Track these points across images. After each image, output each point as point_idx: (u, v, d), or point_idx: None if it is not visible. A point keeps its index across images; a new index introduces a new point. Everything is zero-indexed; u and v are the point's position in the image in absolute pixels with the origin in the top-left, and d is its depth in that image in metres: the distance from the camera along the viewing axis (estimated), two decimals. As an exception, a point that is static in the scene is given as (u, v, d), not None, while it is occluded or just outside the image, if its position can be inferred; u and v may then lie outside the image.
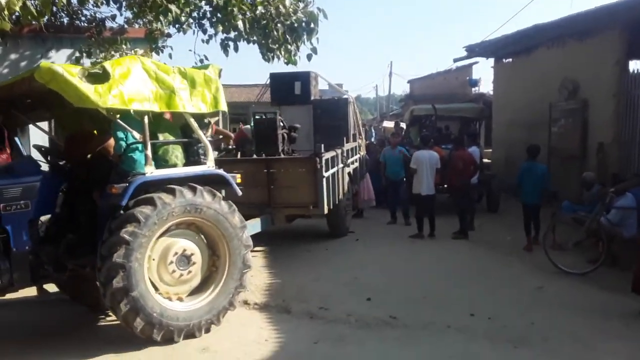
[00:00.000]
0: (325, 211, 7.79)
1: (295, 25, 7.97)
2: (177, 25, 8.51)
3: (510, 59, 14.71)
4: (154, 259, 4.85)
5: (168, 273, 4.92)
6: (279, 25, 7.83)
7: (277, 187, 7.78)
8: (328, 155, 8.00)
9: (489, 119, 15.71)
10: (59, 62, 9.75)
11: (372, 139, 19.23)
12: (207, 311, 5.08)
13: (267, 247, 8.74)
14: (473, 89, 23.93)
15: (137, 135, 4.89)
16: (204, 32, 8.49)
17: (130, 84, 4.62)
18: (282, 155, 8.25)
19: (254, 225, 7.03)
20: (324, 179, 7.66)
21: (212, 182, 5.32)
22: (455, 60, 16.54)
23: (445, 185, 10.38)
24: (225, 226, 5.22)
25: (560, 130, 11.60)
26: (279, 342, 5.01)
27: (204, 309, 5.08)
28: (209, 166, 5.43)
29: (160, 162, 5.16)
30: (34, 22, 8.05)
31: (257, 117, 8.57)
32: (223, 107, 5.44)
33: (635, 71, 9.68)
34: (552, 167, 11.80)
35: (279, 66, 9.41)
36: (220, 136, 8.12)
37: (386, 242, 9.12)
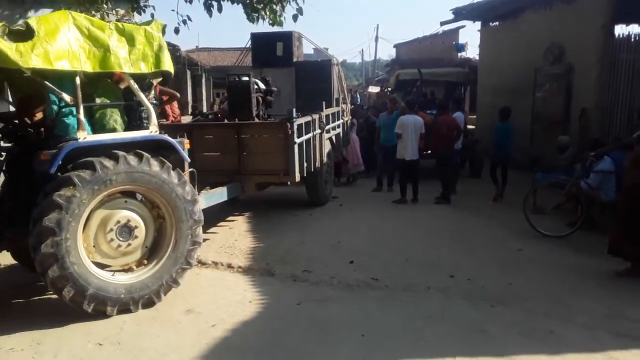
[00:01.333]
0: (297, 179, 7.52)
1: (281, -17, 7.77)
2: (159, -15, 8.29)
3: (497, 23, 14.65)
4: (91, 227, 4.64)
5: (106, 243, 4.72)
6: (264, -16, 7.64)
7: (247, 154, 7.47)
8: (301, 120, 7.69)
9: (475, 84, 15.73)
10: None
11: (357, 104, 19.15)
12: (147, 285, 4.87)
13: (251, 212, 8.78)
14: (459, 54, 23.89)
15: (67, 98, 4.58)
16: (187, -9, 8.26)
17: (57, 42, 4.28)
18: (257, 120, 7.88)
19: (220, 194, 6.90)
20: (296, 146, 7.37)
21: (161, 148, 5.09)
22: (442, 24, 16.46)
23: (429, 151, 10.38)
24: (173, 198, 4.97)
25: (545, 95, 11.66)
26: (262, 303, 5.09)
27: (144, 282, 4.87)
28: (151, 131, 5.12)
29: (98, 126, 4.93)
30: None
31: (230, 79, 8.14)
32: (167, 66, 5.06)
33: (621, 35, 9.69)
34: (535, 132, 11.96)
35: (264, 28, 9.26)
36: (165, 97, 7.61)
37: (370, 207, 9.20)
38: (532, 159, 11.65)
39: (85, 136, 4.63)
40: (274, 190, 9.28)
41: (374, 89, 23.12)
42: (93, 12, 9.13)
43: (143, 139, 5.01)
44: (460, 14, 14.83)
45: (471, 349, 4.13)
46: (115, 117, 5.04)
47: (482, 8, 13.97)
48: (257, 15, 8.45)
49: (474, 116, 15.86)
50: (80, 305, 4.51)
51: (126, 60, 4.75)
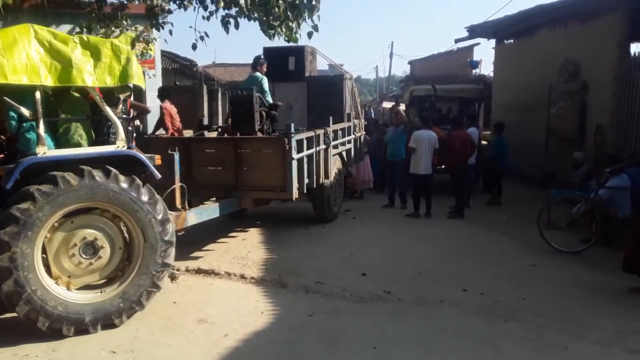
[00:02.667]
0: (295, 196, 7.19)
1: (297, 1, 7.86)
2: (177, 2, 8.45)
3: (512, 40, 14.68)
4: (53, 243, 4.51)
5: (68, 260, 4.57)
6: (280, 1, 7.73)
7: (245, 169, 7.22)
8: (302, 135, 7.44)
9: (489, 100, 15.72)
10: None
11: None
12: (109, 306, 4.65)
13: (264, 224, 8.83)
14: (474, 71, 23.92)
15: (26, 112, 4.49)
16: (205, 8, 8.38)
17: (15, 56, 4.20)
18: (259, 135, 7.65)
19: (213, 210, 6.76)
20: (294, 162, 7.09)
21: (132, 164, 4.92)
22: (457, 41, 16.53)
23: (443, 166, 10.40)
24: (142, 217, 4.75)
25: (559, 112, 11.64)
26: (275, 314, 5.11)
27: (106, 303, 4.66)
28: (118, 146, 4.88)
29: (62, 141, 4.80)
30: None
31: (233, 93, 7.98)
32: (135, 80, 4.85)
33: (636, 54, 9.69)
34: (550, 148, 11.91)
35: (280, 43, 9.32)
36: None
37: (383, 221, 9.20)
38: (546, 175, 11.60)
39: (44, 151, 4.48)
40: (287, 205, 9.30)
41: (388, 104, 23.16)
42: (113, 28, 9.35)
43: (109, 154, 4.81)
44: (474, 31, 14.90)
45: (483, 363, 4.11)
46: (80, 131, 4.90)
47: (496, 26, 14.04)
48: (273, 32, 8.57)
49: (488, 132, 15.84)
50: (34, 322, 4.36)
51: (90, 74, 4.62)
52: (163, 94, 9.03)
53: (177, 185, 5.91)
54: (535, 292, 5.66)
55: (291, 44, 8.99)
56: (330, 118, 8.72)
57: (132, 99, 5.74)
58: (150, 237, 4.82)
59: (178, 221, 5.80)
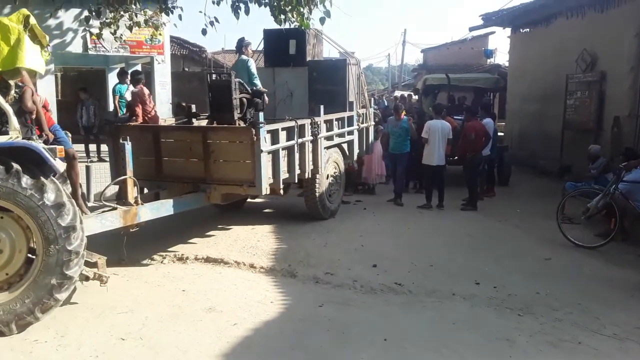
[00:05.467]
0: (265, 192, 6.53)
1: (309, -15, 7.74)
2: (188, -14, 8.38)
3: (528, 29, 14.44)
4: None
5: None
6: (291, -15, 7.61)
7: (213, 161, 6.61)
8: (277, 126, 6.82)
9: (504, 91, 15.50)
10: (68, 22, 9.71)
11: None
12: None
13: (274, 214, 8.77)
14: (488, 60, 23.63)
15: None
16: (215, -8, 8.35)
17: None
18: (239, 124, 6.95)
19: (170, 205, 6.14)
20: (264, 154, 6.37)
21: (32, 157, 4.36)
22: (471, 29, 16.31)
23: (456, 157, 10.24)
24: (44, 221, 4.24)
25: (576, 103, 11.45)
26: (284, 304, 5.06)
27: None
28: (11, 137, 4.38)
29: None
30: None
31: (211, 78, 7.25)
32: (27, 64, 4.36)
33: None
34: (566, 140, 11.72)
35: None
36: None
37: (394, 212, 9.10)
38: (561, 167, 11.43)
39: None
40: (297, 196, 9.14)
41: (399, 94, 22.99)
42: (122, 12, 9.29)
43: (1, 146, 4.29)
44: (490, 19, 14.68)
45: (497, 357, 4.04)
46: None
47: (512, 14, 13.81)
48: (284, 17, 8.45)
49: (503, 123, 15.64)
50: None
51: None
52: (136, 79, 8.14)
53: (129, 177, 5.62)
54: (550, 286, 5.55)
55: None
56: (322, 107, 7.85)
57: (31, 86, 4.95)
58: (51, 244, 4.27)
59: (128, 217, 5.56)
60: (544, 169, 12.30)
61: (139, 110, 7.66)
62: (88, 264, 4.79)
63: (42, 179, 4.29)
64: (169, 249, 6.63)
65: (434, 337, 4.38)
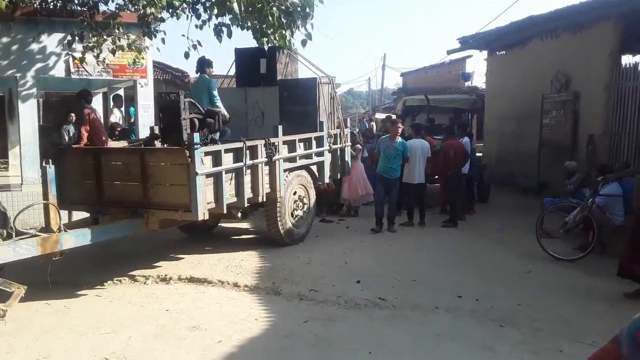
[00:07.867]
0: (201, 217, 6.07)
1: (291, 9, 7.86)
2: (170, 10, 8.47)
3: (504, 52, 14.80)
4: None
5: None
6: (274, 8, 7.72)
7: (151, 185, 6.26)
8: (218, 147, 6.48)
9: (481, 111, 15.82)
10: (51, 46, 9.72)
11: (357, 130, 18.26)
12: None
13: (259, 233, 8.77)
14: (466, 83, 24.08)
15: None
16: (198, 17, 8.42)
17: None
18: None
19: (99, 231, 5.96)
20: (200, 177, 5.95)
21: None
22: (449, 52, 16.60)
23: (436, 176, 10.39)
24: None
25: (552, 122, 11.72)
26: (269, 321, 5.06)
27: None
28: None
29: None
30: (28, 4, 7.90)
31: (162, 97, 6.93)
32: None
33: (627, 65, 9.80)
34: (542, 157, 11.96)
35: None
36: None
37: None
38: (539, 184, 11.66)
39: None
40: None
41: (380, 116, 23.25)
42: (105, 37, 9.35)
43: None
44: (467, 42, 15.01)
45: (480, 367, 4.08)
46: None
47: (489, 37, 14.15)
48: (266, 39, 8.56)
49: (481, 144, 15.91)
50: None
51: None
52: (86, 98, 7.77)
53: (50, 202, 5.42)
54: (531, 298, 5.64)
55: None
56: (280, 127, 7.51)
57: None
58: None
59: (47, 245, 5.30)
60: (523, 186, 12.52)
61: (84, 131, 7.41)
62: (5, 293, 4.71)
63: None
64: (152, 269, 6.60)
65: (418, 349, 4.42)
